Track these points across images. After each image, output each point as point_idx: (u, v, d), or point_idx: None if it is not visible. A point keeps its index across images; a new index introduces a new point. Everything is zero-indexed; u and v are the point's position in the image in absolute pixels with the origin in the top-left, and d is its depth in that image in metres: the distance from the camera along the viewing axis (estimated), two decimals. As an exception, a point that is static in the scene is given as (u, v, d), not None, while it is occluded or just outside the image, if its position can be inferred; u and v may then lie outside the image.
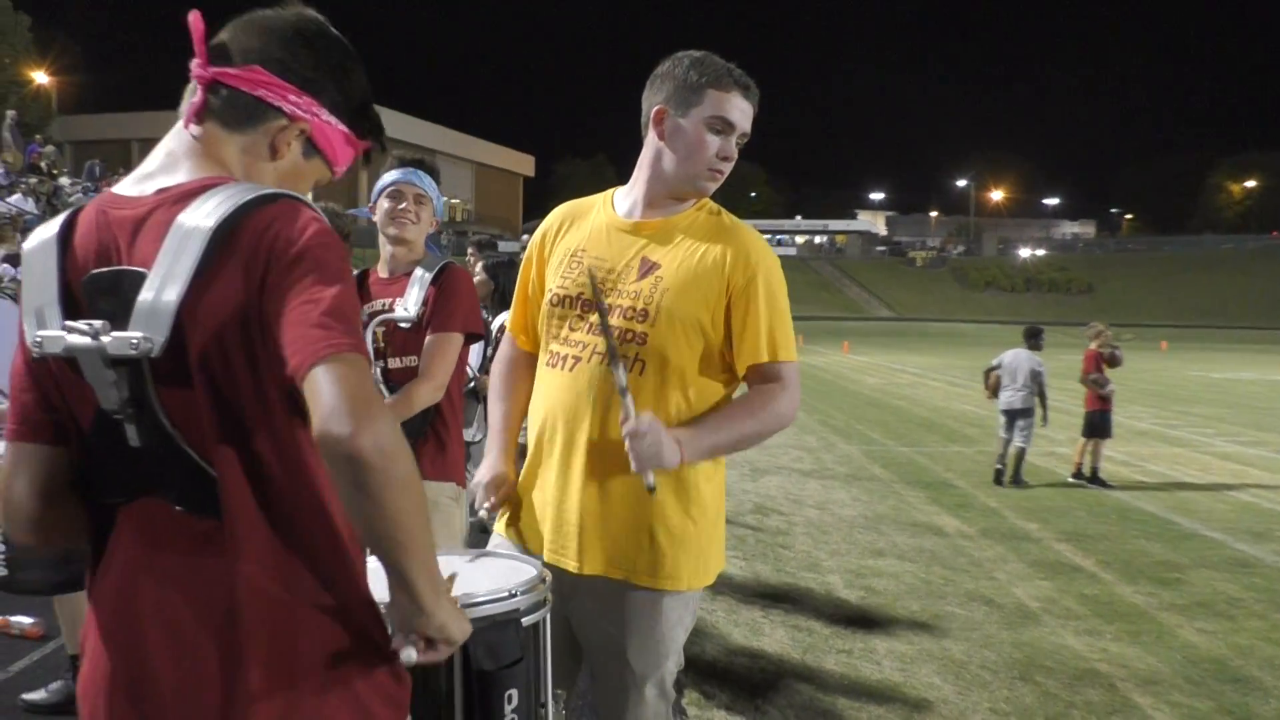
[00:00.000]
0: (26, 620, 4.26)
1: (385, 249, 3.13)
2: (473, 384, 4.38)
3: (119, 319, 1.19)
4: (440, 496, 2.98)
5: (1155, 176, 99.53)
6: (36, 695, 3.55)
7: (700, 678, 4.08)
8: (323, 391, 1.10)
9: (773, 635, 4.68)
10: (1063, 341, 18.40)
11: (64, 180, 21.16)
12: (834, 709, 3.85)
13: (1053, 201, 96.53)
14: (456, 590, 1.63)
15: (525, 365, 2.30)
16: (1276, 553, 6.74)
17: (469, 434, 4.15)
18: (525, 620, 1.74)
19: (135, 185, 1.30)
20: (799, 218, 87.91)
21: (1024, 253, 75.82)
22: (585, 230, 2.19)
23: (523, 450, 2.23)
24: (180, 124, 1.33)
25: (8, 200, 17.30)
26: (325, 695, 1.25)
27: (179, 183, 1.27)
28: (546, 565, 2.08)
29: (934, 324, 52.26)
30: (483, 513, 2.21)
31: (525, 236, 7.40)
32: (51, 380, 1.29)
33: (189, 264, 1.17)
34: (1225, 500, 8.59)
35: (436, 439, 3.02)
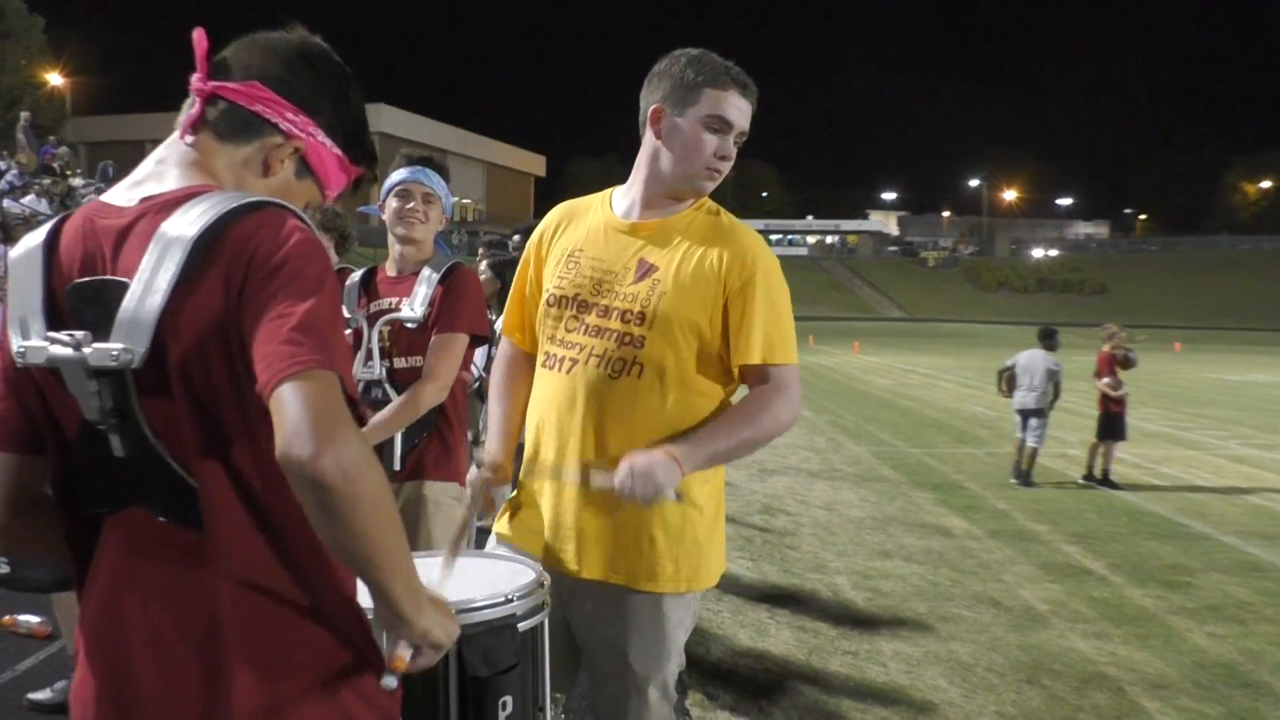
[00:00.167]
0: (34, 619, 4.27)
1: (394, 248, 3.12)
2: (478, 385, 4.38)
3: (102, 329, 1.18)
4: (444, 497, 2.98)
5: (1170, 176, 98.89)
6: (41, 695, 3.56)
7: (705, 679, 4.06)
8: (286, 411, 1.09)
9: (778, 636, 4.67)
10: (1076, 343, 18.31)
11: (77, 181, 21.26)
12: (839, 711, 3.84)
13: (1066, 202, 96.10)
14: (452, 595, 1.63)
15: (524, 364, 2.29)
16: (1289, 556, 6.69)
17: (473, 435, 4.15)
18: (522, 625, 1.73)
19: (123, 193, 1.30)
20: (810, 218, 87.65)
21: (1037, 253, 75.51)
22: (583, 230, 2.17)
23: (522, 450, 2.23)
24: (175, 134, 1.33)
25: (21, 201, 17.41)
26: (310, 705, 1.24)
27: (165, 191, 1.26)
28: (545, 568, 2.08)
29: (945, 324, 52.07)
30: (476, 491, 2.20)
31: (516, 237, 7.29)
32: (34, 390, 1.28)
33: (170, 274, 1.16)
34: (1238, 503, 8.53)
35: (440, 440, 3.01)
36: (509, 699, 1.63)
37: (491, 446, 2.28)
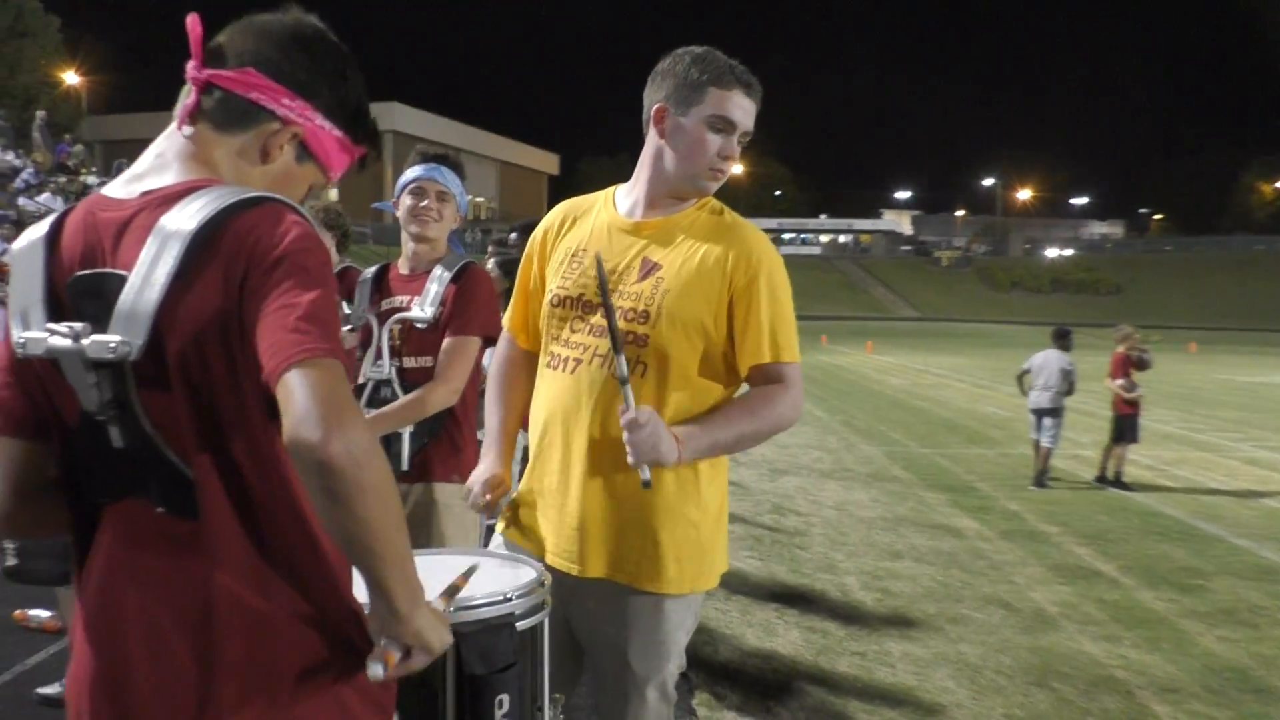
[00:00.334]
0: (45, 614, 4.30)
1: (407, 245, 3.11)
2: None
3: (101, 322, 1.19)
4: (453, 499, 2.95)
5: (1185, 176, 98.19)
6: (51, 689, 3.58)
7: (712, 678, 4.06)
8: (295, 396, 1.09)
9: (786, 636, 4.66)
10: (1090, 343, 18.18)
11: (92, 179, 21.38)
12: (846, 712, 3.82)
13: (1081, 201, 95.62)
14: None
15: (524, 365, 2.29)
16: (1303, 559, 6.64)
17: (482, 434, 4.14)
18: (521, 624, 1.73)
19: (124, 186, 1.30)
20: (824, 216, 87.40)
21: (1051, 253, 75.14)
22: (586, 229, 2.17)
23: (525, 453, 2.23)
24: (173, 125, 1.33)
25: (37, 199, 17.54)
26: (304, 698, 1.25)
27: (165, 185, 1.27)
28: (548, 568, 2.07)
29: (959, 324, 51.87)
30: (473, 507, 2.21)
31: (514, 235, 7.21)
32: (37, 379, 1.29)
33: (168, 267, 1.17)
34: (1251, 506, 8.47)
35: (450, 441, 3.00)
36: (506, 697, 1.63)
37: (487, 459, 2.28)
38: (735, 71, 2.03)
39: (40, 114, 24.69)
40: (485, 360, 4.55)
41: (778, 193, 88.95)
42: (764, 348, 2.01)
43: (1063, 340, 9.26)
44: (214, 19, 1.35)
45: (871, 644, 4.61)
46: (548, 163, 74.43)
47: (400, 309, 3.04)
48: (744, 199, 72.61)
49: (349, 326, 3.27)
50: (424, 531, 2.93)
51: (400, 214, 3.08)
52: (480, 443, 2.44)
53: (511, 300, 2.34)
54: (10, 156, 21.55)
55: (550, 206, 2.43)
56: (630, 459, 1.91)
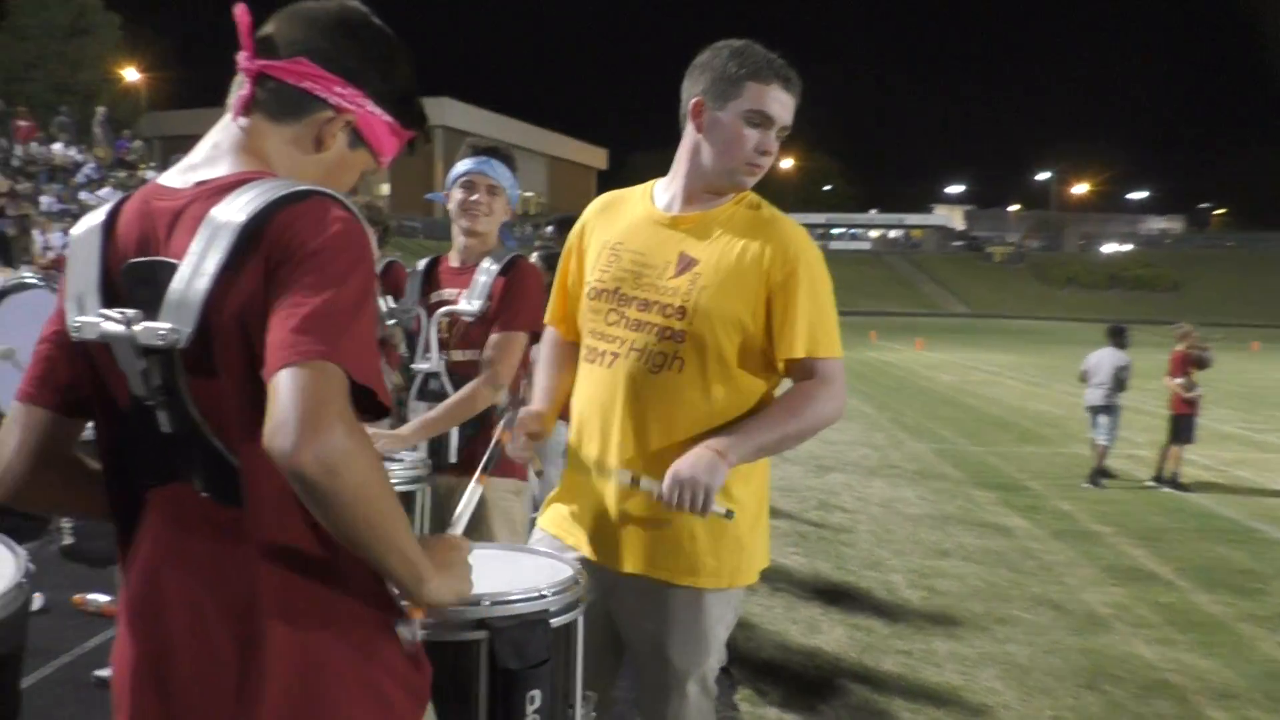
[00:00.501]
0: (102, 598, 4.40)
1: (457, 239, 3.11)
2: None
3: (152, 309, 1.21)
4: (501, 493, 2.96)
5: (1248, 170, 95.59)
6: (107, 672, 3.65)
7: (754, 674, 4.04)
8: (275, 402, 1.10)
9: (831, 633, 4.62)
10: (1148, 341, 17.79)
11: (151, 174, 21.87)
12: (890, 711, 3.79)
13: (1139, 196, 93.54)
14: (487, 586, 1.64)
15: (569, 349, 2.29)
16: (1368, 564, 6.43)
17: None
18: (555, 621, 1.74)
19: (179, 176, 1.32)
20: (874, 211, 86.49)
21: (1108, 248, 73.61)
22: (624, 223, 2.17)
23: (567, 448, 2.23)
24: (228, 116, 1.35)
25: (98, 193, 18.00)
26: (343, 683, 1.26)
27: (218, 176, 1.28)
28: (587, 562, 2.08)
29: (1012, 321, 51.02)
30: (516, 432, 2.18)
31: (550, 228, 7.23)
32: (88, 362, 1.31)
33: (217, 259, 1.18)
34: (1315, 508, 8.23)
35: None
36: (537, 693, 1.64)
37: (535, 404, 2.27)
38: (774, 66, 2.01)
39: (101, 110, 25.26)
40: (534, 353, 4.58)
41: (827, 187, 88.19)
42: (803, 343, 1.99)
43: (1118, 337, 9.13)
44: (258, 6, 1.36)
45: (917, 642, 4.55)
46: (596, 157, 74.53)
47: (448, 302, 3.04)
48: (793, 194, 72.02)
49: (391, 320, 3.29)
50: (471, 526, 2.94)
51: (451, 207, 3.08)
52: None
53: (551, 294, 2.34)
54: (73, 152, 22.12)
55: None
56: (699, 515, 1.90)
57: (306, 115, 1.34)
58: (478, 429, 2.97)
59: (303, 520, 1.21)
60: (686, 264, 2.04)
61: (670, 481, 1.88)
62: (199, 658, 1.25)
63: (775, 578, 5.39)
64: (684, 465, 1.88)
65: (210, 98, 1.44)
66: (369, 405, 1.19)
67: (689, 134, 2.09)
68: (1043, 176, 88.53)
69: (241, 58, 1.33)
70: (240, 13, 1.30)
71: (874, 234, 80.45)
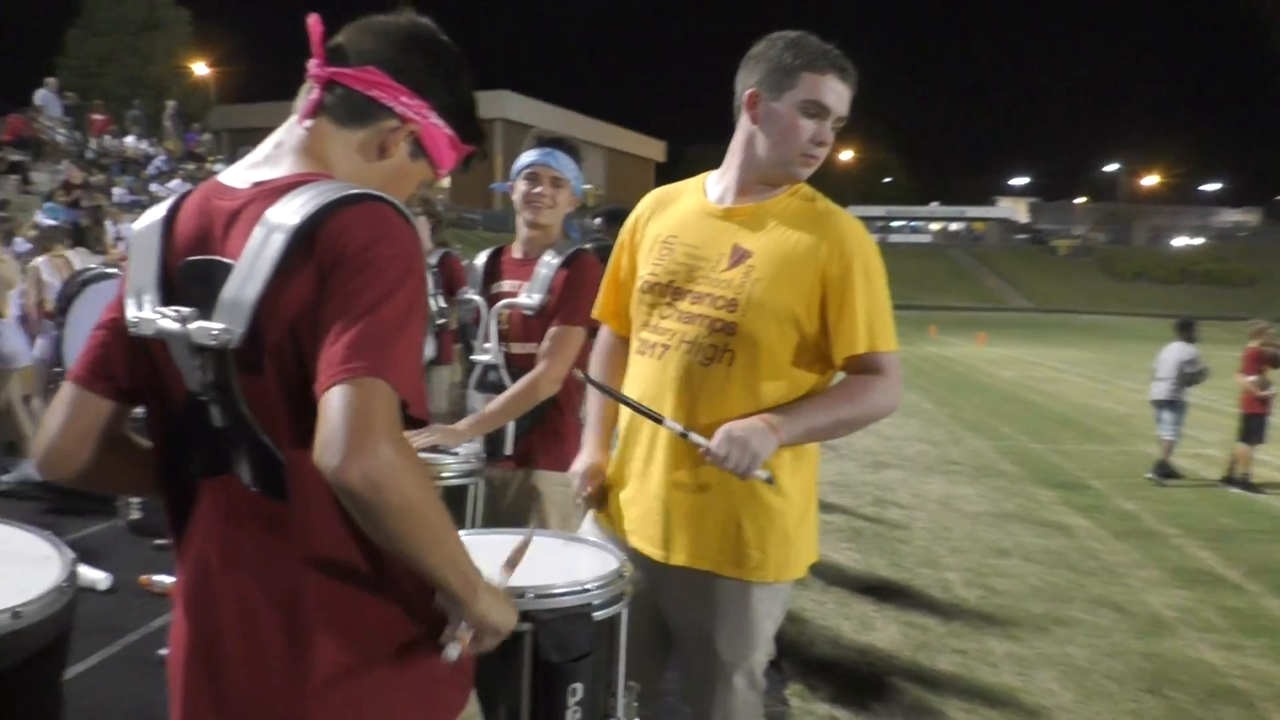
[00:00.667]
0: (168, 579, 4.52)
1: (521, 230, 3.09)
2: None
3: (207, 307, 1.24)
4: (555, 487, 2.96)
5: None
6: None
7: (806, 670, 4.02)
8: (325, 418, 1.12)
9: (884, 631, 4.58)
10: (1220, 337, 17.25)
11: (219, 167, 22.35)
12: (944, 710, 3.74)
13: (1212, 188, 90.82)
14: (531, 578, 1.65)
15: (621, 351, 2.30)
16: None
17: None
18: (598, 614, 1.75)
19: (240, 174, 1.35)
20: (935, 204, 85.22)
21: (1179, 242, 71.61)
22: (676, 216, 2.16)
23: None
24: (294, 118, 1.37)
25: (167, 186, 18.46)
26: (386, 676, 1.28)
27: (276, 177, 1.31)
28: (636, 552, 2.08)
29: (1077, 316, 49.90)
30: (579, 502, 2.23)
31: (598, 220, 7.17)
32: (146, 354, 1.35)
33: (270, 261, 1.20)
34: (1394, 512, 7.93)
35: (553, 429, 3.01)
36: (579, 686, 1.65)
37: (587, 448, 2.30)
38: (830, 56, 1.99)
39: (171, 104, 25.87)
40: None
41: (887, 179, 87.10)
42: (860, 337, 1.97)
43: (1186, 331, 8.95)
44: (330, 18, 1.39)
45: (973, 642, 4.49)
46: (655, 150, 74.40)
47: (509, 294, 3.04)
48: (852, 186, 71.26)
49: (442, 320, 3.32)
50: (523, 518, 2.95)
51: (515, 199, 3.06)
52: (583, 430, 2.45)
53: (602, 287, 2.34)
54: (144, 145, 22.70)
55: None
56: (740, 477, 1.90)
57: (372, 123, 1.36)
58: (534, 422, 2.98)
59: (347, 520, 1.22)
60: (740, 256, 2.02)
61: (721, 438, 1.89)
62: (247, 646, 1.28)
63: (828, 573, 5.35)
64: (737, 426, 1.89)
65: (277, 91, 1.46)
66: (405, 416, 1.20)
67: (743, 125, 2.07)
68: (1111, 168, 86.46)
69: (312, 65, 1.35)
70: (314, 22, 1.33)
71: (935, 227, 79.25)
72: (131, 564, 4.73)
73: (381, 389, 1.14)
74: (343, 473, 1.10)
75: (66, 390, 1.40)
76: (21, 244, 9.53)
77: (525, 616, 1.66)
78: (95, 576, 4.52)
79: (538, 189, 3.00)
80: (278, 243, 1.20)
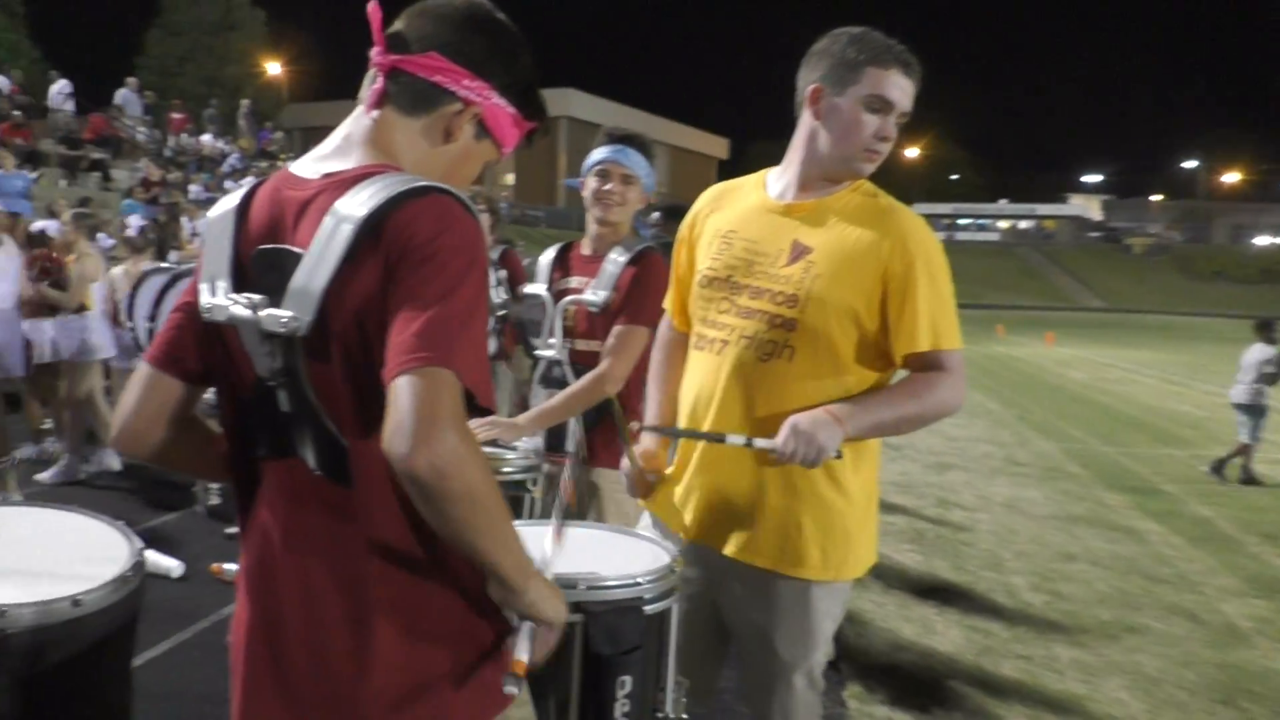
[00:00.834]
0: (237, 567, 4.64)
1: (591, 227, 3.08)
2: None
3: (277, 295, 1.27)
4: (615, 485, 2.94)
5: None
6: (240, 636, 3.86)
7: (864, 671, 3.98)
8: (394, 406, 1.15)
9: (946, 634, 4.50)
10: (1301, 339, 16.71)
11: (289, 164, 22.83)
12: (1007, 716, 3.67)
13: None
14: (583, 569, 1.66)
15: (681, 347, 2.29)
16: None
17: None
18: (649, 608, 1.75)
19: (310, 166, 1.38)
20: (1004, 201, 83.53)
21: (1261, 240, 69.22)
22: (736, 211, 2.15)
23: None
24: (361, 109, 1.40)
25: (240, 183, 18.90)
26: (443, 662, 1.30)
27: (345, 169, 1.33)
28: (695, 549, 2.08)
29: (1152, 316, 48.56)
30: (630, 486, 2.23)
31: (656, 214, 7.12)
32: (220, 339, 1.38)
33: (338, 251, 1.23)
34: None
35: (614, 426, 3.01)
36: (629, 679, 1.66)
37: (647, 439, 2.29)
38: (894, 51, 1.97)
39: (245, 103, 26.50)
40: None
41: (954, 176, 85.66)
42: (923, 335, 1.94)
43: (1266, 332, 8.72)
44: (388, 3, 1.41)
45: (1038, 648, 4.39)
46: (717, 147, 74.11)
47: (575, 290, 3.05)
48: (917, 183, 70.24)
49: (502, 312, 3.34)
50: (584, 516, 2.96)
51: (585, 195, 3.05)
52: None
53: (669, 284, 2.35)
54: (219, 143, 23.30)
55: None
56: (809, 468, 1.90)
57: (436, 108, 1.38)
58: (597, 419, 2.99)
59: (409, 506, 1.25)
60: (800, 252, 2.01)
61: (787, 432, 1.88)
62: (309, 627, 1.31)
63: (889, 575, 5.28)
64: (803, 420, 1.88)
65: (348, 90, 1.50)
66: (473, 405, 1.22)
67: (805, 121, 2.06)
68: (1189, 164, 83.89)
69: (374, 53, 1.37)
70: (373, 10, 1.35)
71: (1003, 225, 77.71)
72: (204, 552, 4.87)
73: (448, 379, 1.16)
74: (410, 460, 1.13)
75: (141, 371, 1.45)
76: (105, 240, 9.86)
77: (576, 608, 1.68)
78: (168, 564, 4.66)
79: (607, 186, 2.99)
80: (345, 234, 1.23)
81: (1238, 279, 60.84)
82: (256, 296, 1.29)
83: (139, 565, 1.69)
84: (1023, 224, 78.04)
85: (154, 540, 4.75)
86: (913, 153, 65.91)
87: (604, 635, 1.65)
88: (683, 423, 2.18)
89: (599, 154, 3.00)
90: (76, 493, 6.09)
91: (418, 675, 1.29)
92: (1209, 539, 6.64)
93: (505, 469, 2.87)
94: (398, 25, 1.39)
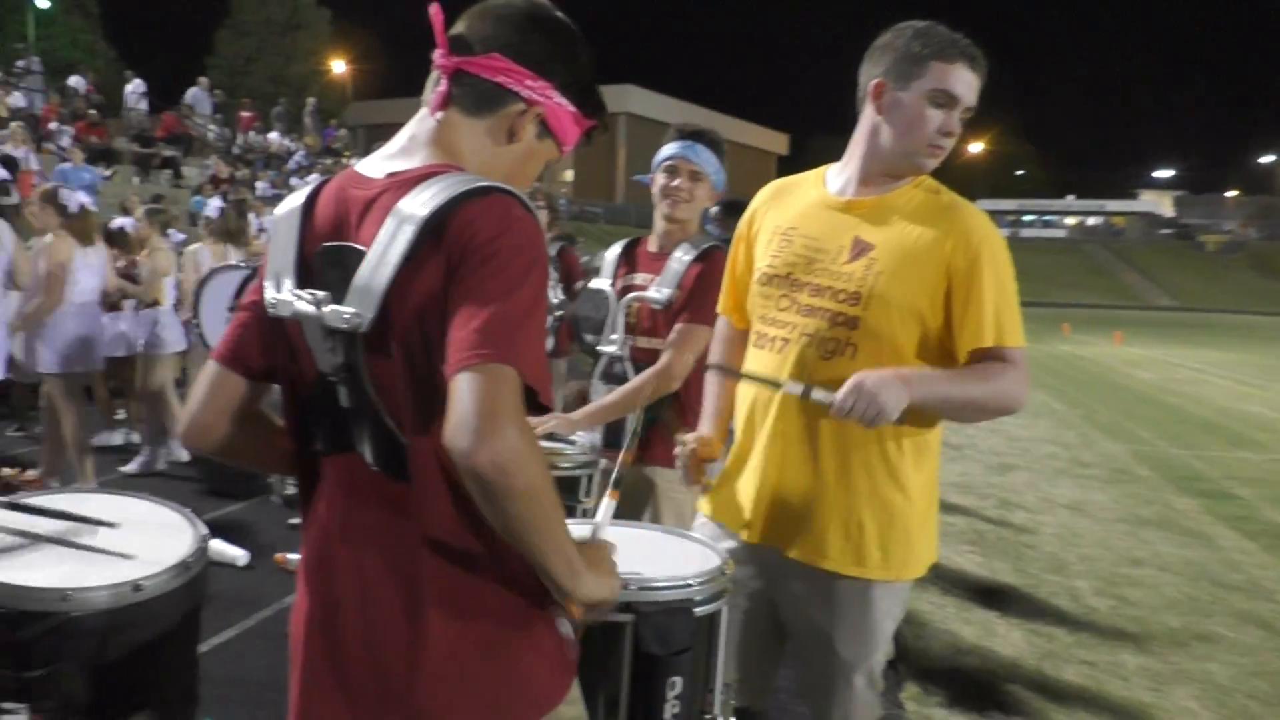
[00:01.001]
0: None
1: (658, 223, 3.06)
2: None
3: (340, 292, 1.30)
4: (670, 483, 2.94)
5: None
6: (302, 625, 3.94)
7: (923, 673, 3.93)
8: (456, 402, 1.16)
9: (1007, 637, 4.43)
10: (1384, 340, 16.10)
11: (354, 162, 23.20)
12: (1070, 723, 3.60)
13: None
14: (637, 570, 1.67)
15: (740, 343, 2.28)
16: None
17: None
18: (699, 610, 1.76)
19: (376, 165, 1.40)
20: (1071, 197, 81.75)
21: (1342, 238, 66.79)
22: (795, 208, 2.13)
23: (732, 435, 2.23)
24: (425, 110, 1.42)
25: (306, 179, 19.29)
26: (496, 657, 1.32)
27: (409, 169, 1.35)
28: (752, 548, 2.07)
29: (1225, 316, 47.19)
30: (682, 470, 2.22)
31: (715, 209, 7.03)
32: (283, 334, 1.41)
33: (400, 250, 1.25)
34: None
35: (672, 425, 3.00)
36: (679, 680, 1.68)
37: (703, 423, 2.29)
38: (959, 45, 1.94)
39: (310, 101, 26.99)
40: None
41: (1020, 172, 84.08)
42: (987, 331, 1.92)
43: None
44: (450, 4, 1.42)
45: (1103, 654, 4.30)
46: (777, 142, 73.65)
47: (640, 287, 3.03)
48: (982, 179, 69.07)
49: (559, 311, 3.35)
50: (637, 513, 2.96)
51: (653, 191, 3.03)
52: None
53: (723, 282, 2.34)
54: (286, 141, 23.77)
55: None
56: (866, 427, 1.86)
57: (500, 109, 1.39)
58: (653, 422, 2.97)
59: (463, 500, 1.26)
60: (861, 249, 1.99)
61: (850, 387, 1.83)
62: (365, 620, 1.33)
63: (948, 577, 5.21)
64: (870, 377, 1.84)
65: (410, 88, 1.52)
66: (533, 403, 1.23)
67: (867, 116, 2.04)
68: (1266, 160, 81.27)
69: (437, 55, 1.39)
70: (435, 12, 1.37)
71: (1070, 221, 76.07)
72: (270, 541, 4.98)
73: (509, 375, 1.18)
74: (472, 456, 1.14)
75: (209, 367, 1.49)
76: (176, 235, 10.12)
77: (627, 608, 1.69)
78: (234, 553, 4.77)
79: (675, 182, 2.97)
80: (408, 233, 1.25)
81: (1317, 278, 58.72)
82: (320, 293, 1.31)
83: (201, 552, 1.74)
84: (1091, 221, 76.28)
85: (222, 529, 4.86)
86: (977, 148, 64.87)
87: (654, 636, 1.66)
88: (739, 421, 2.17)
89: (668, 150, 2.98)
90: (151, 482, 6.28)
91: (470, 669, 1.31)
92: (1284, 546, 6.43)
93: (563, 464, 2.88)
94: (459, 27, 1.41)
